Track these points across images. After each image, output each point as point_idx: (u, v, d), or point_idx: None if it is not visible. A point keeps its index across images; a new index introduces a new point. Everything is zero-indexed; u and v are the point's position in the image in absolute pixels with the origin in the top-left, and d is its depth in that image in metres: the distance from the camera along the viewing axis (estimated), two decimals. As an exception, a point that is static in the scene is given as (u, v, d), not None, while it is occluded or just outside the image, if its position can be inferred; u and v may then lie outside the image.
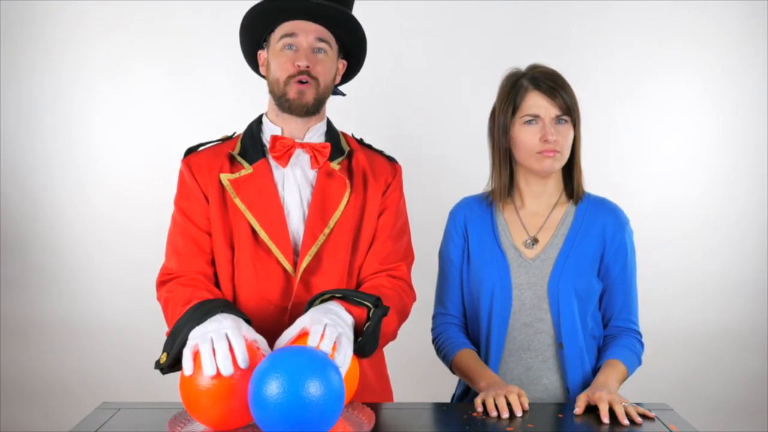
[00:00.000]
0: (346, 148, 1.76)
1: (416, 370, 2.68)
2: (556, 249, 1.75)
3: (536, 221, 1.79)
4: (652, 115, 3.01)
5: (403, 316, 1.71)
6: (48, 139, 3.01)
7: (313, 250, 1.64)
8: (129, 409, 1.56)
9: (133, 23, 2.97)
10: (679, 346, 3.03)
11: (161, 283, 1.67)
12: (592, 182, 1.86)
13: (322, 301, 1.51)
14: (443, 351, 1.81)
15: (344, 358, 1.36)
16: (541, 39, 2.95)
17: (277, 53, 1.68)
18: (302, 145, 1.70)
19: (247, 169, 1.69)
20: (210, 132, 1.97)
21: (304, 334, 1.40)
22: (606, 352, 1.75)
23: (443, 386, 1.95)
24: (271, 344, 1.43)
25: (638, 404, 1.56)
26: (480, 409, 1.52)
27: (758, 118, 3.00)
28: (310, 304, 1.50)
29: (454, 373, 1.81)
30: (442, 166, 2.96)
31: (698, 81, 3.00)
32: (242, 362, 1.30)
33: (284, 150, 1.69)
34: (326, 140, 1.75)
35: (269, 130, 1.74)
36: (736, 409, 3.05)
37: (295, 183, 1.70)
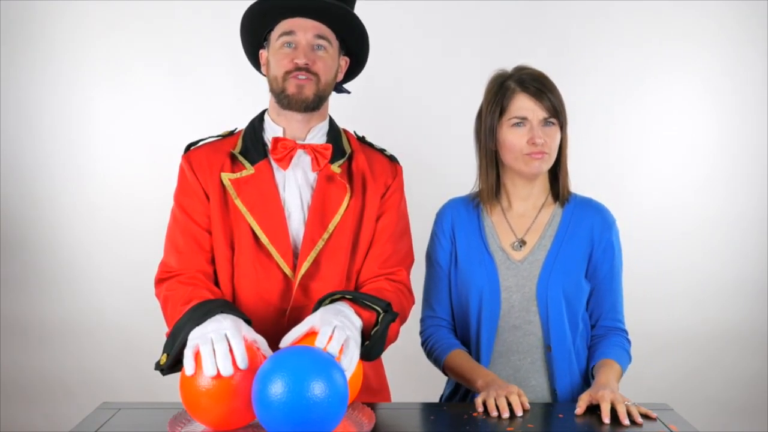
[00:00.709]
0: (348, 150, 1.75)
1: (413, 370, 2.67)
2: (544, 251, 1.74)
3: (523, 223, 1.78)
4: (652, 115, 3.01)
5: (403, 319, 1.71)
6: (48, 139, 3.01)
7: (312, 255, 1.64)
8: (129, 409, 1.56)
9: (133, 23, 2.97)
10: (679, 346, 3.03)
11: (160, 281, 1.66)
12: (591, 182, 1.86)
13: (332, 301, 1.51)
14: (435, 353, 1.80)
15: (350, 361, 1.37)
16: (540, 39, 2.95)
17: (276, 51, 1.67)
18: (303, 147, 1.69)
19: (248, 170, 1.68)
20: (210, 132, 1.96)
21: (312, 334, 1.40)
22: (598, 351, 1.74)
23: (440, 386, 1.95)
24: (272, 346, 1.43)
25: (639, 404, 1.57)
26: (480, 409, 1.52)
27: (758, 118, 3.00)
28: (320, 303, 1.50)
29: (446, 374, 1.80)
30: (431, 166, 2.95)
31: (698, 81, 3.00)
32: (241, 363, 1.30)
33: (286, 152, 1.67)
34: (328, 140, 1.73)
35: (271, 130, 1.73)
36: (736, 409, 3.05)
37: (296, 185, 1.68)
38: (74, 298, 3.04)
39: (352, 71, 1.83)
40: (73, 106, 3.00)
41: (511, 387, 1.55)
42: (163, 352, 1.45)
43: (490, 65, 1.81)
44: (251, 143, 1.71)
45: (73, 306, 3.04)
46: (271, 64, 1.69)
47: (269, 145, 1.71)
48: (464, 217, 1.82)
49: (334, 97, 1.79)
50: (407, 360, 2.62)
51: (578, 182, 1.84)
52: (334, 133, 1.76)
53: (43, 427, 3.02)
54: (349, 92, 1.83)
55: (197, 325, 1.39)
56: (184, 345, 1.38)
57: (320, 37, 1.66)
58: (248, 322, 1.44)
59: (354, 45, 1.75)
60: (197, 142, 1.75)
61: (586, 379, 1.78)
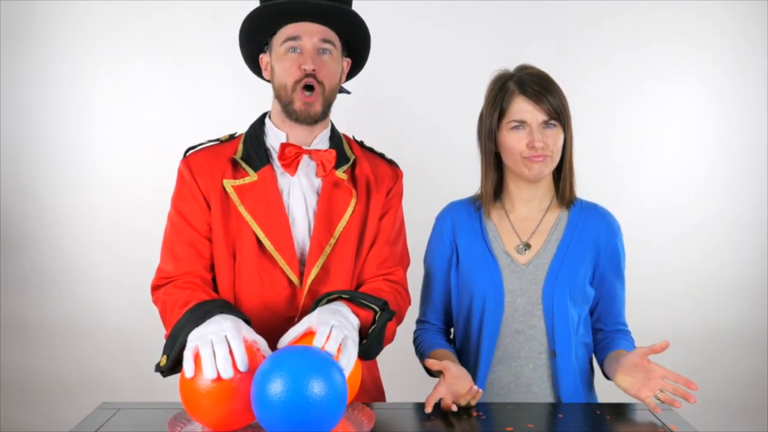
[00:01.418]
0: (351, 156, 1.74)
1: (412, 370, 2.67)
2: (550, 254, 1.72)
3: (528, 226, 1.76)
4: (652, 115, 3.02)
5: (399, 319, 1.72)
6: (48, 139, 3.01)
7: (321, 260, 1.63)
8: (129, 409, 1.56)
9: (134, 24, 2.97)
10: (679, 346, 3.01)
11: (156, 287, 1.64)
12: (591, 183, 1.85)
13: (329, 301, 1.51)
14: (420, 350, 1.81)
15: (348, 360, 1.36)
16: (540, 40, 2.95)
17: (281, 57, 1.64)
18: (309, 152, 1.67)
19: (251, 176, 1.65)
20: (210, 132, 1.96)
21: (309, 333, 1.40)
22: (612, 345, 1.73)
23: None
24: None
25: (639, 404, 1.57)
26: (429, 410, 1.51)
27: (758, 118, 3.00)
28: (317, 303, 1.50)
29: (429, 373, 1.77)
30: (430, 170, 2.95)
31: (698, 81, 3.01)
32: (241, 365, 1.30)
33: (293, 157, 1.65)
34: (331, 146, 1.72)
35: (274, 135, 1.71)
36: (736, 409, 3.05)
37: (300, 191, 1.67)
38: (74, 298, 3.04)
39: (352, 71, 1.81)
40: (73, 107, 3.01)
41: (465, 394, 1.52)
42: (163, 354, 1.44)
43: (490, 65, 1.80)
44: (253, 149, 1.69)
45: (73, 306, 3.04)
46: (276, 71, 1.66)
47: (271, 150, 1.70)
48: (465, 220, 1.80)
49: (338, 96, 1.78)
50: (406, 360, 2.62)
51: (578, 182, 1.83)
52: (336, 138, 1.75)
53: (43, 427, 3.02)
54: (349, 92, 1.82)
55: (196, 326, 1.38)
56: (183, 346, 1.38)
57: (326, 41, 1.64)
58: (248, 322, 1.44)
59: (357, 45, 1.74)
60: (196, 146, 1.73)
61: (589, 386, 1.77)
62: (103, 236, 3.02)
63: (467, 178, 1.89)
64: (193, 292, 1.55)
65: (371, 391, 1.76)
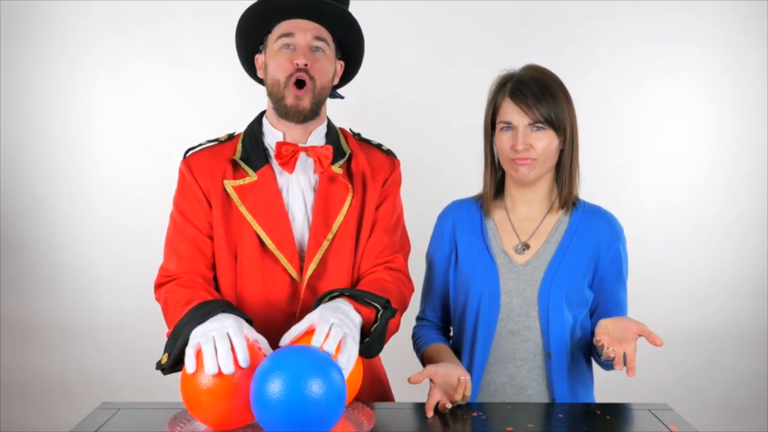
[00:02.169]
0: (347, 150, 1.75)
1: (413, 370, 2.68)
2: (548, 256, 1.71)
3: (528, 226, 1.76)
4: (652, 115, 3.02)
5: (403, 308, 1.72)
6: (48, 139, 3.01)
7: (318, 255, 1.64)
8: (129, 409, 1.56)
9: (134, 23, 2.97)
10: (680, 346, 3.03)
11: (160, 285, 1.66)
12: (592, 183, 1.85)
13: (331, 299, 1.51)
14: (417, 346, 1.82)
15: (348, 359, 1.37)
16: (539, 40, 2.95)
17: (274, 54, 1.66)
18: (306, 150, 1.68)
19: (251, 177, 1.67)
20: (211, 132, 1.96)
21: (310, 332, 1.40)
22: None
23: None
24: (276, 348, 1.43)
25: (639, 404, 1.58)
26: (431, 414, 1.51)
27: (758, 118, 3.00)
28: (320, 301, 1.50)
29: (424, 366, 1.78)
30: (432, 168, 2.96)
31: (698, 81, 3.01)
32: (243, 361, 1.30)
33: (290, 156, 1.66)
34: (327, 141, 1.73)
35: (271, 134, 1.72)
36: (736, 409, 3.05)
37: (299, 189, 1.69)
38: (74, 298, 3.04)
39: (346, 75, 1.83)
40: (73, 107, 3.01)
41: (454, 395, 1.52)
42: (164, 352, 1.45)
43: (492, 64, 1.80)
44: (252, 149, 1.70)
45: (73, 306, 3.04)
46: (269, 68, 1.68)
47: (270, 149, 1.71)
48: (466, 218, 1.80)
49: (333, 101, 1.79)
50: (406, 360, 2.62)
51: (578, 182, 1.83)
52: (333, 134, 1.76)
53: (43, 427, 3.02)
54: (342, 97, 1.83)
55: (199, 324, 1.39)
56: (185, 344, 1.38)
57: (319, 38, 1.66)
58: (250, 322, 1.44)
59: (350, 47, 1.76)
60: (196, 146, 1.74)
61: (585, 388, 1.76)
62: (103, 236, 3.02)
63: (472, 176, 1.89)
64: (195, 291, 1.56)
65: (371, 389, 1.76)
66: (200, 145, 1.75)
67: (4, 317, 3.04)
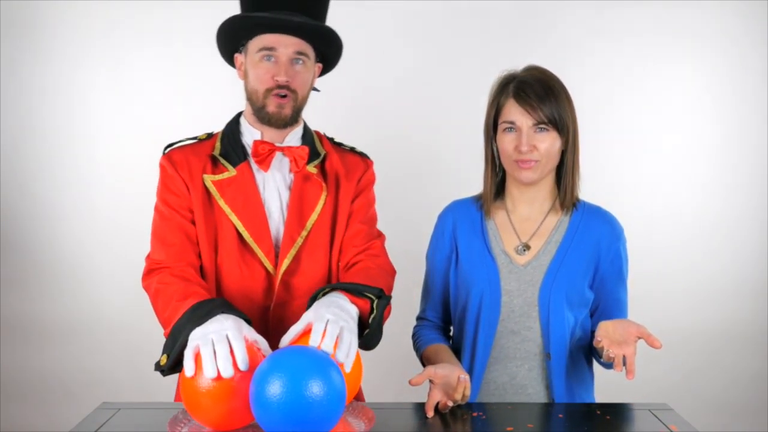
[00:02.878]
0: (322, 151, 1.79)
1: (411, 370, 2.67)
2: (549, 256, 1.71)
3: (528, 227, 1.75)
4: (652, 116, 3.02)
5: (390, 292, 1.75)
6: (48, 138, 3.01)
7: (292, 252, 1.68)
8: (129, 409, 1.56)
9: (134, 23, 2.97)
10: (680, 346, 3.03)
11: (150, 271, 1.67)
12: (592, 184, 1.85)
13: (324, 294, 1.52)
14: (416, 346, 1.83)
15: (347, 352, 1.38)
16: (539, 39, 2.95)
17: (255, 63, 1.68)
18: (282, 149, 1.72)
19: (230, 172, 1.71)
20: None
21: (308, 331, 1.41)
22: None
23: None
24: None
25: (639, 404, 1.57)
26: (431, 414, 1.51)
27: (758, 120, 3.00)
28: (314, 299, 1.52)
29: (423, 365, 1.78)
30: (436, 166, 2.96)
31: (698, 82, 3.01)
32: (242, 364, 1.31)
33: (266, 154, 1.70)
34: (303, 143, 1.78)
35: (249, 133, 1.76)
36: (736, 409, 3.05)
37: (275, 186, 1.73)
38: (74, 297, 3.04)
39: (323, 71, 1.85)
40: (73, 106, 3.00)
41: (453, 395, 1.52)
42: (163, 353, 1.45)
43: (493, 64, 1.81)
44: (231, 146, 1.74)
45: (73, 306, 3.04)
46: (249, 75, 1.70)
47: (248, 147, 1.75)
48: (467, 218, 1.80)
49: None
50: (406, 360, 2.62)
51: (579, 182, 1.83)
52: (309, 136, 1.81)
53: (43, 427, 3.02)
54: (318, 90, 1.84)
55: (198, 325, 1.39)
56: (184, 346, 1.38)
57: (300, 53, 1.69)
58: (248, 321, 1.45)
59: (330, 56, 1.79)
60: (175, 143, 1.78)
61: (585, 388, 1.76)
62: (103, 236, 3.02)
63: (472, 176, 1.89)
64: (190, 285, 1.57)
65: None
66: (180, 141, 1.78)
67: (4, 317, 3.04)
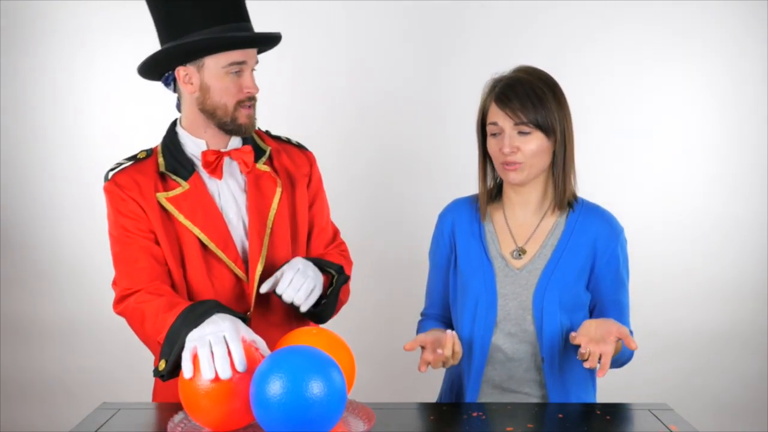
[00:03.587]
0: (266, 148, 1.81)
1: (411, 370, 2.67)
2: (544, 260, 1.70)
3: (524, 231, 1.75)
4: (652, 116, 3.01)
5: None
6: (48, 138, 3.01)
7: (264, 253, 1.71)
8: (129, 409, 1.56)
9: (133, 23, 2.96)
10: (680, 346, 3.03)
11: (122, 298, 1.64)
12: (591, 184, 1.84)
13: None
14: (417, 333, 1.84)
15: (306, 295, 1.62)
16: (538, 38, 2.95)
17: (221, 77, 1.66)
18: (228, 153, 1.73)
19: (183, 186, 1.69)
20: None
21: (305, 329, 1.50)
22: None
23: (439, 386, 1.95)
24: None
25: (639, 404, 1.57)
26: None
27: (759, 120, 3.00)
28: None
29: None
30: (436, 166, 2.96)
31: (698, 82, 3.00)
32: (240, 365, 1.30)
33: (215, 163, 1.71)
34: (244, 143, 1.78)
35: (193, 144, 1.74)
36: (736, 410, 3.05)
37: (230, 193, 1.74)
38: (74, 297, 3.04)
39: None
40: (73, 106, 3.00)
41: (446, 343, 1.57)
42: (160, 358, 1.45)
43: (493, 64, 1.80)
44: (175, 160, 1.73)
45: (73, 306, 3.04)
46: (212, 89, 1.67)
47: (194, 158, 1.74)
48: (466, 220, 1.80)
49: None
50: (406, 360, 2.62)
51: (578, 183, 1.82)
52: (249, 136, 1.80)
53: (43, 427, 3.02)
54: None
55: (194, 327, 1.39)
56: (182, 349, 1.38)
57: (257, 62, 1.73)
58: (245, 320, 1.45)
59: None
60: (115, 167, 1.74)
61: (583, 390, 1.75)
62: (103, 236, 2.99)
63: (472, 176, 1.89)
64: (171, 297, 1.57)
65: None
66: (119, 165, 1.74)
67: (4, 317, 3.04)
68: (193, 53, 1.66)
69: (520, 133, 1.64)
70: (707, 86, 3.00)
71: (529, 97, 1.63)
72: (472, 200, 1.83)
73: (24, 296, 3.04)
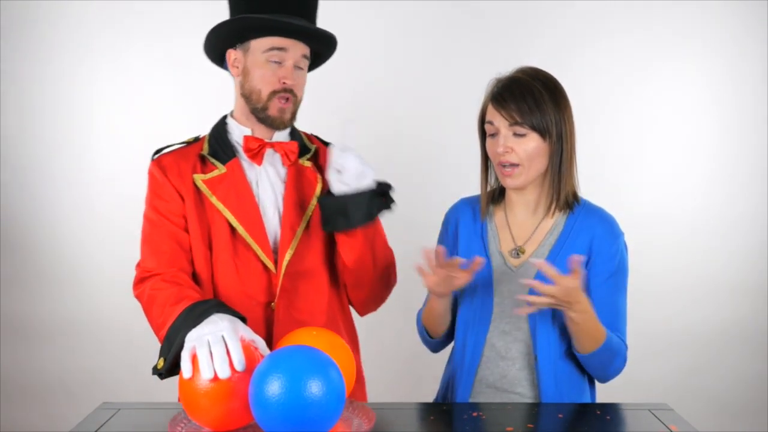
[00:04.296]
0: (311, 146, 1.82)
1: (412, 370, 2.68)
2: (541, 259, 1.69)
3: (524, 231, 1.75)
4: (652, 116, 3.02)
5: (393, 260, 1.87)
6: (48, 139, 3.01)
7: (294, 243, 1.69)
8: (129, 409, 1.56)
9: (134, 22, 2.97)
10: (680, 346, 3.03)
11: (142, 280, 1.67)
12: (591, 184, 1.84)
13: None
14: (418, 320, 1.84)
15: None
16: (539, 38, 2.95)
17: (260, 64, 1.68)
18: (273, 145, 1.74)
19: (220, 169, 1.71)
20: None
21: (304, 330, 1.50)
22: None
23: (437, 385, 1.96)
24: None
25: (639, 404, 1.57)
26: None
27: (758, 119, 3.00)
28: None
29: (429, 337, 1.81)
30: (439, 166, 2.96)
31: (699, 82, 3.00)
32: (239, 365, 1.30)
33: (257, 149, 1.72)
34: (291, 139, 1.79)
35: (238, 131, 1.76)
36: (736, 409, 3.05)
37: (268, 181, 1.74)
38: (74, 297, 3.04)
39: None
40: (73, 106, 3.00)
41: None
42: (160, 356, 1.45)
43: (494, 64, 1.80)
44: (219, 145, 1.75)
45: (73, 305, 3.04)
46: (251, 74, 1.70)
47: (237, 145, 1.75)
48: (469, 218, 1.80)
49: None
50: (406, 360, 2.63)
51: (578, 183, 1.82)
52: (297, 133, 1.83)
53: (43, 427, 3.02)
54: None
55: (193, 327, 1.39)
56: (181, 348, 1.38)
57: (304, 57, 1.72)
58: (244, 320, 1.45)
59: (323, 58, 1.82)
60: (163, 148, 1.77)
61: (578, 390, 1.73)
62: (103, 236, 3.02)
63: (475, 176, 1.89)
64: (182, 289, 1.57)
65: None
66: (168, 146, 1.78)
67: (4, 317, 3.04)
68: (237, 32, 1.69)
69: (516, 134, 1.64)
70: (707, 86, 3.01)
71: (525, 98, 1.63)
72: (477, 199, 1.84)
73: (24, 296, 3.04)
